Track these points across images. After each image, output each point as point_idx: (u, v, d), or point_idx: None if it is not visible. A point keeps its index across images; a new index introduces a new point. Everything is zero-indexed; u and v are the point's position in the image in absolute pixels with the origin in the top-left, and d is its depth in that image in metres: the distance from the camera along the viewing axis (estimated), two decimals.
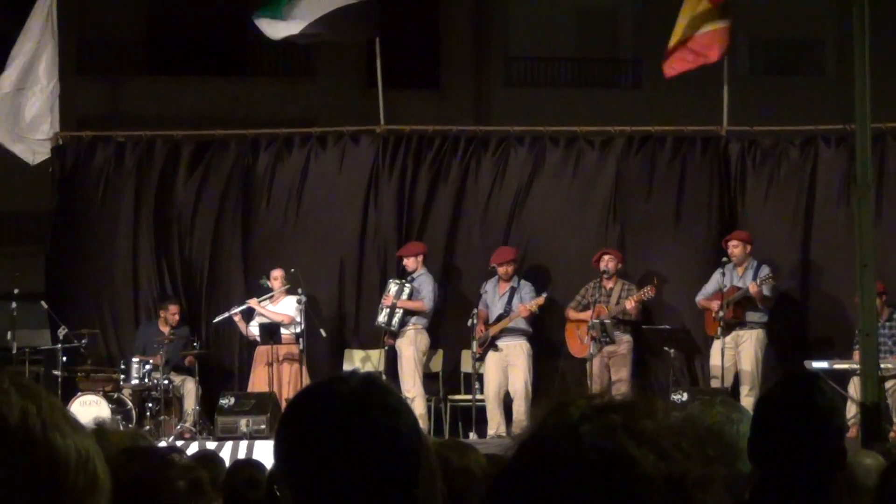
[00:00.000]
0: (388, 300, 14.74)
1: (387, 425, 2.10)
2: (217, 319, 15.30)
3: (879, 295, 14.17)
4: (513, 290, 14.71)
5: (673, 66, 15.58)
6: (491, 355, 14.55)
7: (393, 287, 14.79)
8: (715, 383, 14.33)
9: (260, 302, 15.06)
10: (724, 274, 14.39)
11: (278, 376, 14.62)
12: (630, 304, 14.47)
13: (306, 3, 15.61)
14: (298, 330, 14.79)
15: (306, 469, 2.09)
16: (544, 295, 14.65)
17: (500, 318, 14.58)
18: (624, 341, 14.54)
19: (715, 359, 14.48)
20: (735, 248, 14.57)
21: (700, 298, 14.71)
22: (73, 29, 21.41)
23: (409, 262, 14.94)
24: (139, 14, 26.02)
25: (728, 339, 14.27)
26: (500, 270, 14.70)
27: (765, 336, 14.43)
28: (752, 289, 14.26)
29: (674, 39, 15.44)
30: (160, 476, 2.81)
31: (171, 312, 15.22)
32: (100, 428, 2.85)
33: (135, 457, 2.80)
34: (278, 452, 2.15)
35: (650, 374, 15.03)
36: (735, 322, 14.34)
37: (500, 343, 14.56)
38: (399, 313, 14.69)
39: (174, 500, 2.81)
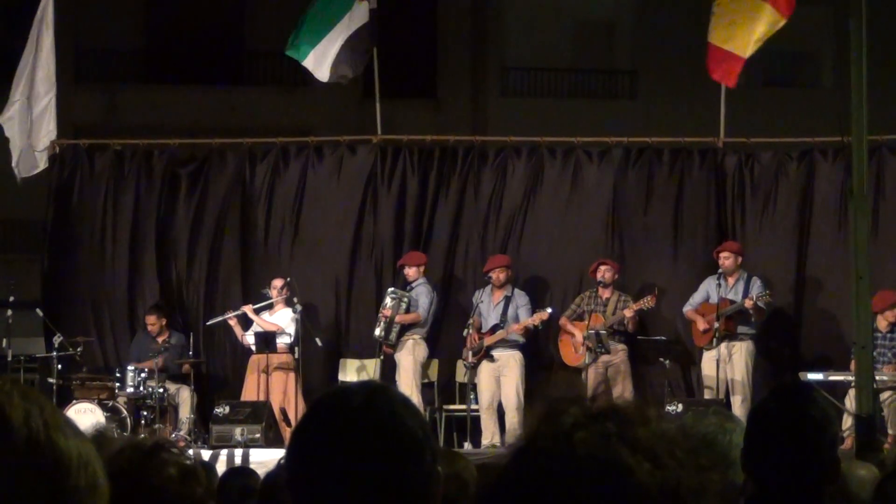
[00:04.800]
0: (386, 312, 14.71)
1: (381, 448, 2.08)
2: (211, 322, 15.31)
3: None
4: (507, 300, 14.66)
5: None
6: (485, 365, 14.52)
7: (390, 300, 14.74)
8: (707, 394, 14.32)
9: (256, 310, 15.05)
10: (719, 285, 14.39)
11: (270, 385, 14.59)
12: (629, 313, 14.44)
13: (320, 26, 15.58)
14: (289, 340, 14.77)
15: (304, 482, 2.11)
16: (549, 310, 14.54)
17: (495, 329, 14.56)
18: (619, 350, 14.52)
19: (706, 370, 14.47)
20: (726, 259, 14.56)
21: (688, 309, 14.70)
22: (69, 37, 21.42)
23: (411, 272, 14.90)
24: (136, 23, 26.00)
25: (721, 350, 14.26)
26: (494, 277, 14.65)
27: (754, 347, 14.43)
28: (748, 304, 14.26)
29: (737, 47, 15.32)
30: (149, 463, 2.82)
31: (150, 322, 15.17)
32: (100, 434, 2.86)
33: (125, 449, 2.82)
34: (285, 460, 2.18)
35: (645, 384, 15.01)
36: (726, 334, 14.34)
37: (495, 353, 14.52)
38: (396, 328, 14.66)
39: (164, 486, 2.81)
